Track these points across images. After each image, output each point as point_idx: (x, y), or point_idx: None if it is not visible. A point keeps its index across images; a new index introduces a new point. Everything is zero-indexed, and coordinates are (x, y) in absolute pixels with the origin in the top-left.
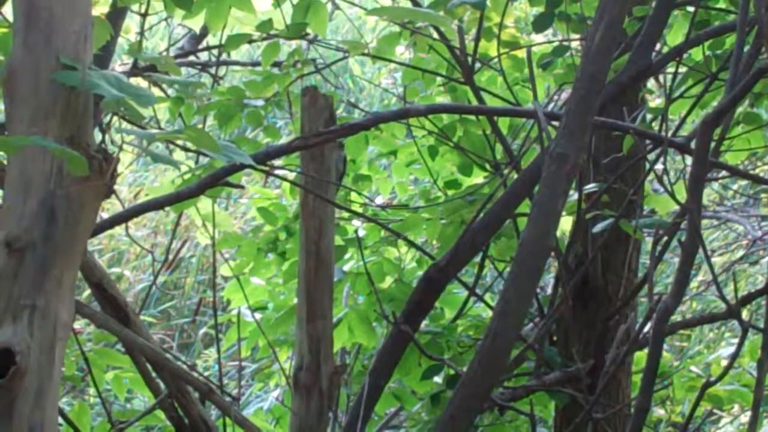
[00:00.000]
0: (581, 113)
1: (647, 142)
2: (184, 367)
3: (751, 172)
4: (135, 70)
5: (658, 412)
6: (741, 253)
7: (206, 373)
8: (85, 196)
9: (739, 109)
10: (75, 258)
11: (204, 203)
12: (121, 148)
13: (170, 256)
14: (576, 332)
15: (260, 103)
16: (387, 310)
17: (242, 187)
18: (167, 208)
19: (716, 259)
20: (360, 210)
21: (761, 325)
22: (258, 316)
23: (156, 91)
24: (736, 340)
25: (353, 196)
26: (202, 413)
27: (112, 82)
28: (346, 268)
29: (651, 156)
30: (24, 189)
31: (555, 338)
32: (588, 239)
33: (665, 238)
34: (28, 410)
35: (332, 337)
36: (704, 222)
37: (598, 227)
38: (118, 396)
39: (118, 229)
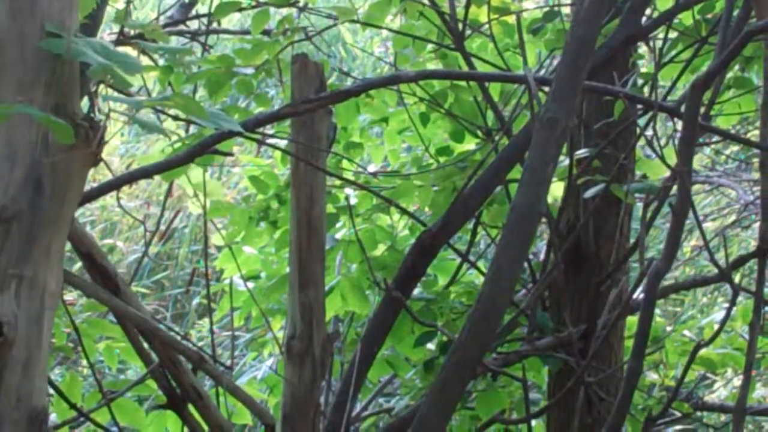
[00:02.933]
0: (570, 78)
1: (638, 107)
2: (176, 336)
3: (743, 136)
4: (123, 39)
5: (651, 376)
6: (733, 217)
7: (200, 343)
8: (72, 165)
9: (730, 74)
10: (63, 227)
11: (196, 173)
12: (108, 116)
13: (162, 227)
14: (569, 298)
15: (250, 71)
16: (379, 278)
17: (231, 155)
18: (158, 178)
19: (709, 224)
20: (352, 177)
21: (753, 288)
22: (251, 285)
23: (145, 60)
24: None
25: (345, 163)
26: (194, 382)
27: (98, 50)
28: (338, 236)
29: (642, 121)
30: (10, 158)
31: (548, 304)
32: (580, 205)
33: (656, 203)
34: (17, 381)
35: (324, 304)
36: (697, 187)
37: (589, 192)
38: (110, 366)
39: (110, 200)
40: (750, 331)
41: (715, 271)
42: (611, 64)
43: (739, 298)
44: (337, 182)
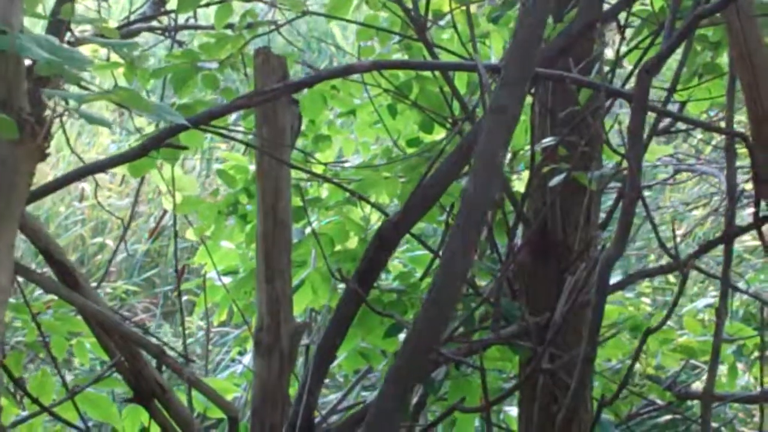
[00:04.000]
0: (520, 64)
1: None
2: (136, 330)
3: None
4: (82, 38)
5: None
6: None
7: (189, 341)
8: (18, 161)
9: (698, 59)
10: (10, 223)
11: (175, 169)
12: (54, 111)
13: (133, 222)
14: (536, 285)
15: (215, 65)
16: (335, 269)
17: (186, 148)
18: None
19: (697, 213)
20: (320, 170)
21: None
22: (229, 280)
23: (115, 57)
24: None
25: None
26: (157, 376)
27: (44, 45)
28: (310, 228)
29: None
30: None
31: (516, 292)
32: (546, 193)
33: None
34: None
35: (291, 297)
36: (684, 175)
37: (553, 181)
38: (83, 362)
39: (101, 198)
40: (716, 317)
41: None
42: (571, 51)
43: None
44: (305, 174)
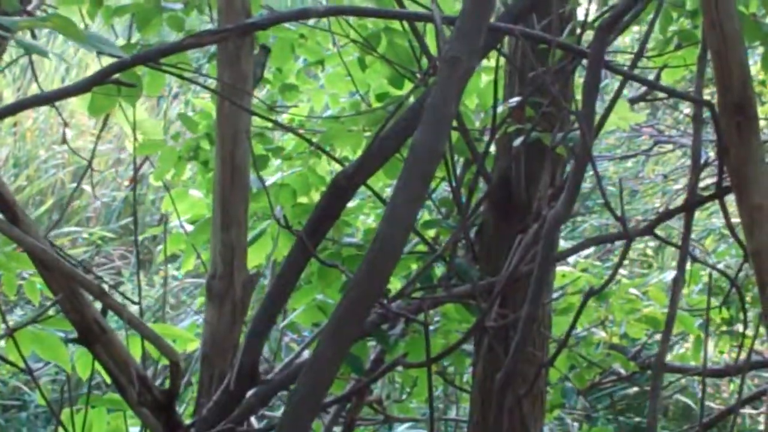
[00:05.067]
0: (475, 17)
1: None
2: (77, 268)
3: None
4: None
5: (599, 333)
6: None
7: (161, 291)
8: None
9: (674, 27)
10: None
11: (140, 110)
12: None
13: (114, 168)
14: (498, 246)
15: (179, 6)
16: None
17: (133, 86)
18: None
19: (679, 186)
20: (286, 120)
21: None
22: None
23: None
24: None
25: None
26: (97, 316)
27: None
28: (273, 179)
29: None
30: None
31: (476, 252)
32: (510, 153)
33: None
34: None
35: (246, 245)
36: (667, 146)
37: (517, 141)
38: (33, 301)
39: (81, 142)
40: (672, 286)
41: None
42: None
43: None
44: (268, 123)
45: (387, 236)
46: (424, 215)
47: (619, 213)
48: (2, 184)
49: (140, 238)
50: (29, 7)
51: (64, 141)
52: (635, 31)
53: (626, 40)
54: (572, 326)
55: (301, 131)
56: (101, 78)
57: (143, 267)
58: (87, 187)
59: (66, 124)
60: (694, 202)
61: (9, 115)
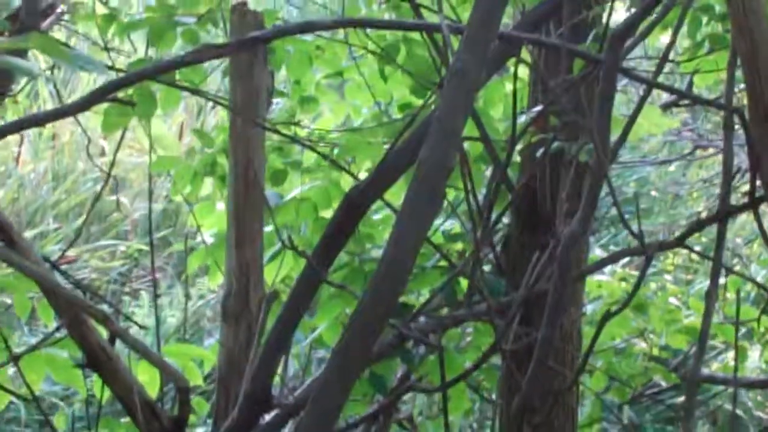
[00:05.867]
0: (483, 27)
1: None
2: (80, 293)
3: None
4: None
5: (640, 344)
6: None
7: (199, 303)
8: None
9: (705, 29)
10: None
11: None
12: None
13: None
14: (523, 260)
15: (192, 20)
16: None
17: (132, 104)
18: None
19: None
20: (303, 133)
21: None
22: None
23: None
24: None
25: (298, 118)
26: (101, 341)
27: None
28: (293, 193)
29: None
30: None
31: (501, 266)
32: (533, 164)
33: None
34: None
35: (262, 262)
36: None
37: (539, 152)
38: (46, 322)
39: (120, 155)
40: (705, 299)
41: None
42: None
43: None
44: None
45: (393, 259)
46: (455, 227)
47: (636, 227)
48: None
49: (173, 251)
50: (44, 24)
51: (88, 153)
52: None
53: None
54: (591, 347)
55: (320, 144)
56: (99, 97)
57: (180, 281)
58: (125, 200)
59: (89, 139)
60: (725, 212)
61: (7, 135)
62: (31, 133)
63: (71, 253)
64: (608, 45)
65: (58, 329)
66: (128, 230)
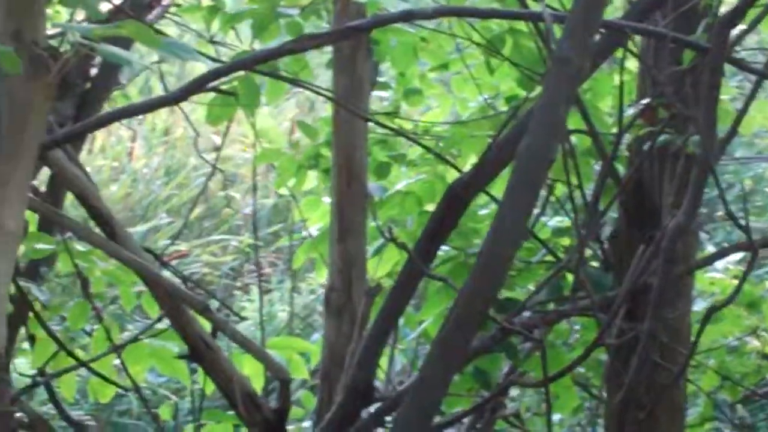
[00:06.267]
0: (585, 14)
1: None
2: (180, 282)
3: None
4: None
5: (753, 342)
6: None
7: (310, 298)
8: (30, 96)
9: None
10: (23, 162)
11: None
12: (74, 46)
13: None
14: (630, 254)
15: (295, 11)
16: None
17: (233, 94)
18: None
19: None
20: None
21: None
22: None
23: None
24: None
25: (403, 111)
26: (202, 332)
27: None
28: (398, 186)
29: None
30: None
31: (608, 261)
32: (641, 157)
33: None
34: None
35: (365, 256)
36: None
37: (646, 145)
38: (151, 314)
39: (231, 151)
40: None
41: None
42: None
43: None
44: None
45: (492, 252)
46: (565, 221)
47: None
48: (99, 199)
49: (282, 245)
50: (150, 17)
51: (195, 147)
52: None
53: None
54: (696, 342)
55: (426, 137)
56: (198, 87)
57: (291, 275)
58: (237, 195)
59: (198, 133)
60: None
61: (96, 129)
62: (144, 128)
63: (183, 248)
64: (714, 32)
65: (159, 320)
66: (240, 225)
